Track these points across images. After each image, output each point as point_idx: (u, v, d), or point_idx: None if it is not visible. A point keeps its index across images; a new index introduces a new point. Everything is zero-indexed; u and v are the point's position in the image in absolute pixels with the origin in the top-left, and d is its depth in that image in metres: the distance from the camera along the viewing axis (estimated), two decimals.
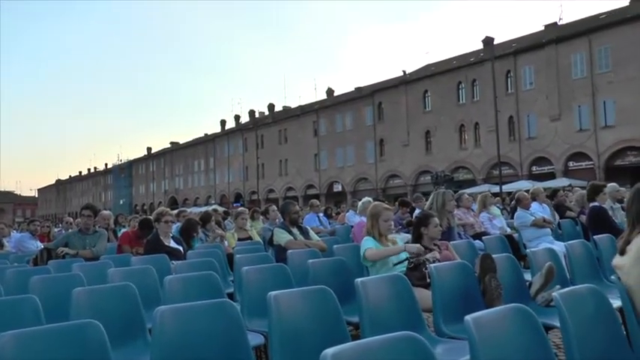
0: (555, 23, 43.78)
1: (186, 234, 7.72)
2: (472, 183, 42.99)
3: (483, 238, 6.74)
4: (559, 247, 6.66)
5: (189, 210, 24.85)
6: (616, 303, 3.11)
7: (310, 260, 4.72)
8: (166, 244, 6.60)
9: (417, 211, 9.01)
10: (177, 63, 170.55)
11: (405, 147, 50.55)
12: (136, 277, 4.64)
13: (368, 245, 4.82)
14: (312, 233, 7.04)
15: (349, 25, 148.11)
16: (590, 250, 5.31)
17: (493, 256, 4.39)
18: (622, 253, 3.03)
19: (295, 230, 6.77)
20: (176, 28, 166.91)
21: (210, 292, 4.16)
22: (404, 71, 54.69)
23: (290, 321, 2.92)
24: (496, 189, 33.02)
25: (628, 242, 3.01)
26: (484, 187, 37.45)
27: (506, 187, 32.39)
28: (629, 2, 39.50)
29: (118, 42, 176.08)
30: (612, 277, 2.97)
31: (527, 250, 4.84)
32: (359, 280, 3.26)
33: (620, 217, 8.25)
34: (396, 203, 12.57)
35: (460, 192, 9.23)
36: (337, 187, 57.65)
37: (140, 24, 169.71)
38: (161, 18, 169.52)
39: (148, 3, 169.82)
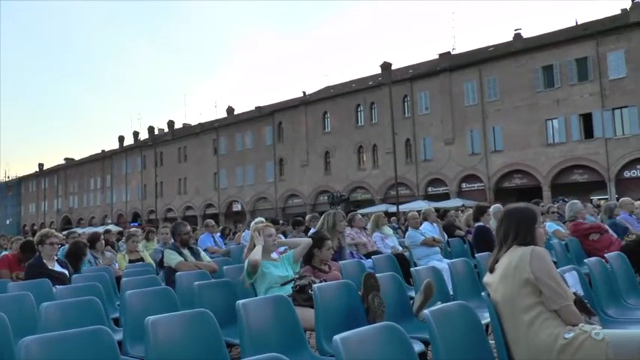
0: (449, 52, 45.97)
1: (73, 257, 7.38)
2: (370, 203, 44.11)
3: (373, 257, 6.90)
4: (446, 264, 6.93)
5: (81, 231, 23.81)
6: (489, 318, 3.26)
7: (196, 282, 4.63)
8: (50, 267, 6.26)
9: (311, 231, 9.09)
10: (73, 74, 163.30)
11: (304, 167, 51.10)
12: (10, 305, 4.36)
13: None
14: (203, 254, 6.95)
15: (250, 44, 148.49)
16: (471, 267, 5.56)
17: (381, 274, 4.51)
18: (491, 271, 3.20)
19: (186, 251, 6.65)
20: (71, 36, 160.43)
21: (92, 318, 3.98)
22: (304, 92, 55.42)
23: (167, 346, 2.85)
24: (393, 209, 34.02)
25: (496, 261, 3.19)
26: (382, 207, 38.56)
27: (403, 207, 33.39)
28: (513, 37, 42.33)
29: (5, 46, 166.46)
30: (482, 293, 3.12)
31: (412, 269, 5.00)
32: (240, 302, 3.24)
33: None
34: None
35: (352, 213, 9.43)
36: (237, 207, 57.27)
37: (33, 29, 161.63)
38: (55, 25, 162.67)
39: (42, 9, 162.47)
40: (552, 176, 37.97)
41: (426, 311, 2.57)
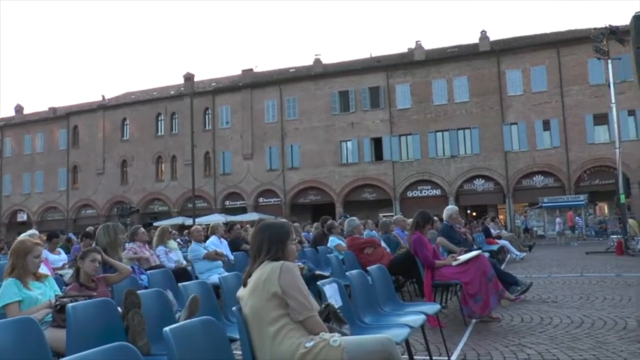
0: (252, 70, 46.90)
1: None
2: (167, 215, 43.24)
3: (148, 272, 6.78)
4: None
5: None
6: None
7: None
8: None
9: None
10: None
11: (99, 175, 48.60)
12: None
13: (8, 300, 4.28)
14: None
15: (45, 40, 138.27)
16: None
17: (147, 290, 4.44)
18: (245, 285, 3.33)
19: None
20: None
21: None
22: (103, 96, 52.87)
23: None
24: (190, 221, 33.68)
25: (250, 275, 3.32)
26: (178, 220, 38.06)
27: (199, 220, 33.18)
28: (313, 62, 44.53)
29: None
30: (233, 308, 3.24)
31: (179, 284, 4.98)
32: None
33: None
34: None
35: (135, 226, 9.19)
36: (22, 217, 52.39)
37: None
38: None
39: None
40: (345, 194, 40.56)
41: (165, 329, 2.59)
